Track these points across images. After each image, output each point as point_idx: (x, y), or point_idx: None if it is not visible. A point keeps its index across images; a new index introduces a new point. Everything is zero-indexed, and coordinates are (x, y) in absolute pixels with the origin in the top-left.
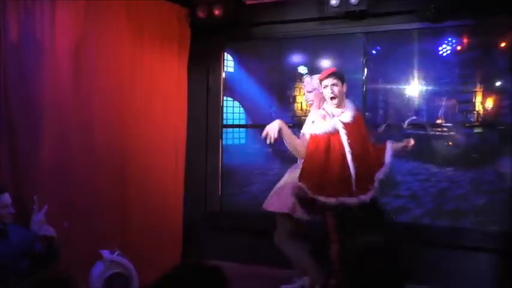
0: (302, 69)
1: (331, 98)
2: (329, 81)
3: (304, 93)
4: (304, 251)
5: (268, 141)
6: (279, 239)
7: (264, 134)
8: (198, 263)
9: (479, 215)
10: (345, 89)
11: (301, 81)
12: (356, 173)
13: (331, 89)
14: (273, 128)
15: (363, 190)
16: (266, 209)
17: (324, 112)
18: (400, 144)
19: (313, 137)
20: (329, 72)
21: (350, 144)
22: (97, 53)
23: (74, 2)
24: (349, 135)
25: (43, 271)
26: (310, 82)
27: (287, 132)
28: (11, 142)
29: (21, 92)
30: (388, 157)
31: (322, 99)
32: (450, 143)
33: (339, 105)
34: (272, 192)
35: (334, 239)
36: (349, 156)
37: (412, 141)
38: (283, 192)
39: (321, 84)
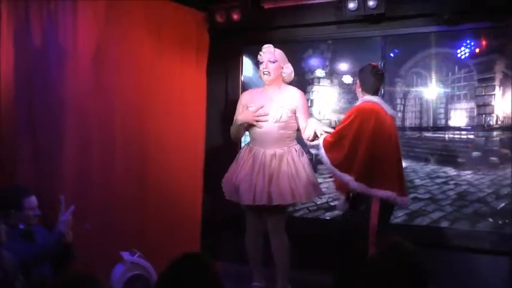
0: (320, 73)
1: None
2: None
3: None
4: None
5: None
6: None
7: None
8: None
9: (498, 218)
10: (357, 87)
11: (260, 53)
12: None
13: None
14: None
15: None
16: (278, 203)
17: None
18: None
19: None
20: None
21: None
22: (117, 57)
23: (94, 8)
24: None
25: (65, 271)
26: (273, 52)
27: None
28: (34, 143)
29: (44, 95)
30: None
31: (280, 76)
32: (469, 146)
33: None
34: (249, 187)
35: None
36: None
37: None
38: (273, 183)
39: None
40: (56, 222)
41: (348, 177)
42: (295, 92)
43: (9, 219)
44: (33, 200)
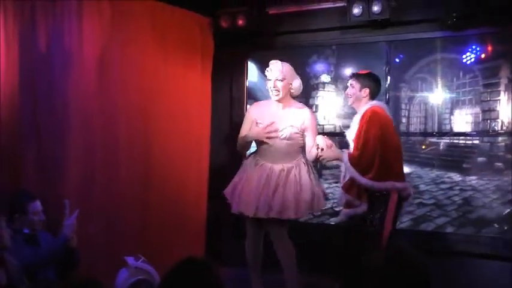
0: (325, 78)
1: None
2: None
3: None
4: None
5: None
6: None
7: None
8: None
9: (503, 224)
10: (364, 94)
11: (267, 68)
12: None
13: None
14: None
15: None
16: (280, 217)
17: None
18: None
19: None
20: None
21: None
22: (122, 61)
23: (100, 12)
24: None
25: (70, 277)
26: (281, 70)
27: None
28: (38, 147)
29: (49, 98)
30: None
31: (288, 92)
32: (474, 152)
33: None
34: (253, 199)
35: None
36: None
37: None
38: (288, 194)
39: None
40: (61, 226)
41: (388, 184)
42: (304, 112)
43: (14, 224)
44: (37, 204)
